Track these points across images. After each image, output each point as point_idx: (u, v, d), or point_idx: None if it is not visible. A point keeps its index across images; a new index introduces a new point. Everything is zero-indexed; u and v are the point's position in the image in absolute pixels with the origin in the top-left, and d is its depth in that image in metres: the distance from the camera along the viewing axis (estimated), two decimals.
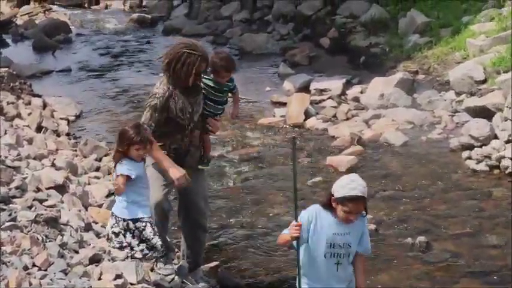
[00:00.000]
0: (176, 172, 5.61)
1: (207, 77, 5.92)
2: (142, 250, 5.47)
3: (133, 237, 5.45)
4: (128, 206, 5.42)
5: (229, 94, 6.14)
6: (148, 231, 5.43)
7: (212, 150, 9.80)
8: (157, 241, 5.47)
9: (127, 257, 5.60)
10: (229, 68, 5.93)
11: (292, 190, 4.55)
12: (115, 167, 5.46)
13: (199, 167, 6.05)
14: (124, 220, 5.43)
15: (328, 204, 4.53)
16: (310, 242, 4.56)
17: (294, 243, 4.55)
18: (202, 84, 5.92)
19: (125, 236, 5.45)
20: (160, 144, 5.65)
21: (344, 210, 4.45)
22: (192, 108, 5.81)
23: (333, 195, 4.49)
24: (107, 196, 7.74)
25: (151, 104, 5.68)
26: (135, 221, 5.41)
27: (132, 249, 5.49)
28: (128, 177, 5.34)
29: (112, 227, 5.49)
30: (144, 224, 5.43)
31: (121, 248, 5.52)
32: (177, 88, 5.72)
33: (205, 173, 6.25)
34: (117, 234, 5.46)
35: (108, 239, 5.55)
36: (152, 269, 5.88)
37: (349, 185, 4.42)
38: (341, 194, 4.43)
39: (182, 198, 6.07)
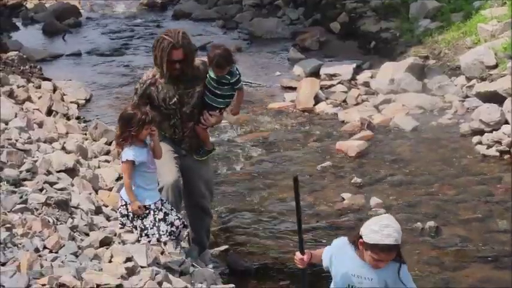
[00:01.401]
0: None
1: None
2: (153, 234, 5.53)
3: (141, 220, 5.51)
4: (135, 191, 5.46)
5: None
6: (150, 220, 5.48)
7: (222, 134, 9.96)
8: (159, 229, 5.51)
9: (138, 240, 5.65)
10: (218, 64, 5.85)
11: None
12: (122, 151, 5.49)
13: (195, 157, 6.07)
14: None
15: (355, 243, 3.98)
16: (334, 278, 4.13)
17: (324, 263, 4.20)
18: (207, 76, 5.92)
19: (133, 220, 5.50)
20: None
21: (373, 258, 3.88)
22: (180, 100, 5.81)
23: (361, 236, 3.90)
24: (117, 180, 7.76)
25: (135, 87, 5.86)
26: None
27: (141, 232, 5.54)
28: (133, 162, 5.39)
29: (119, 208, 5.56)
30: (147, 211, 5.48)
31: (122, 226, 5.63)
32: (165, 77, 5.72)
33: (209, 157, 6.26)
34: (123, 215, 5.53)
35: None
36: (162, 252, 5.91)
37: (382, 231, 3.81)
38: (373, 241, 3.83)
39: (185, 183, 6.11)
